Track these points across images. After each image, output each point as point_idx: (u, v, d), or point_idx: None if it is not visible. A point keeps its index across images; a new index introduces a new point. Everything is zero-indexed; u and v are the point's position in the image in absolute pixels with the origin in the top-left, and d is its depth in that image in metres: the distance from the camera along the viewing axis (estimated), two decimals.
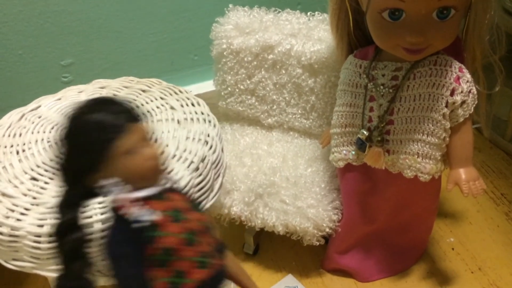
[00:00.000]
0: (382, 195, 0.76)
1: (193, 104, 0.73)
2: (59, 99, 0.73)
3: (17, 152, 0.64)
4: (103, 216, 0.56)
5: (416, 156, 0.67)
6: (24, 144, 0.65)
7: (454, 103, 0.64)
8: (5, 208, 0.57)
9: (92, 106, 0.46)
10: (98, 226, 0.56)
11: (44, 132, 0.67)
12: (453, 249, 0.88)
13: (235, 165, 0.83)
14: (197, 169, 0.63)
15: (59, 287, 0.49)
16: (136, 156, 0.46)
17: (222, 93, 0.91)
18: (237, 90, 0.89)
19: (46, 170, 0.61)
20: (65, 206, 0.47)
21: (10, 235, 0.56)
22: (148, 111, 0.70)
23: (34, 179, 0.60)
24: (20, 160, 0.62)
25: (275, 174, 0.80)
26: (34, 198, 0.58)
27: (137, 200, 0.46)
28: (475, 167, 0.68)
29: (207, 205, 0.65)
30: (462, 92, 0.63)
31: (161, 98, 0.73)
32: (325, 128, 0.85)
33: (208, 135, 0.68)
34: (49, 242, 0.55)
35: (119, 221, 0.47)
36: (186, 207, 0.50)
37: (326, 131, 0.80)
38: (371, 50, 0.70)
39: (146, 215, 0.46)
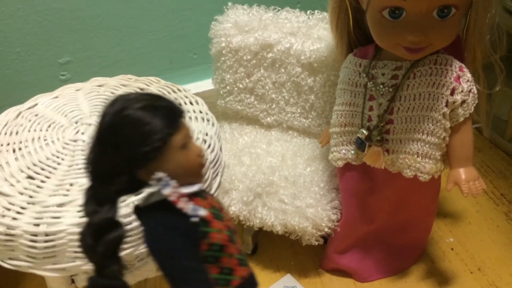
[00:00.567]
0: (381, 194, 0.75)
1: (191, 103, 0.72)
2: (56, 97, 0.73)
3: (14, 150, 0.63)
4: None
5: (415, 156, 0.67)
6: (20, 142, 0.64)
7: (454, 102, 0.63)
8: (1, 206, 0.57)
9: (151, 98, 0.45)
10: None
11: (40, 130, 0.66)
12: (452, 249, 0.88)
13: (233, 164, 0.83)
14: None
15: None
16: (189, 151, 0.46)
17: (221, 92, 0.90)
18: (236, 88, 0.89)
19: (42, 169, 0.60)
20: (104, 202, 0.45)
21: (6, 234, 0.55)
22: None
23: (30, 177, 0.60)
24: (16, 159, 0.62)
25: (274, 174, 0.80)
26: (31, 196, 0.57)
27: (186, 195, 0.46)
28: (474, 167, 0.67)
29: None
30: (462, 91, 0.63)
31: None
32: (324, 127, 0.84)
33: (207, 134, 0.67)
34: (45, 242, 0.55)
35: (174, 215, 0.45)
36: (220, 206, 0.51)
37: (326, 130, 0.80)
38: (371, 49, 0.69)
39: (200, 210, 0.45)
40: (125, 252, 0.56)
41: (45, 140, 0.64)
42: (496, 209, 0.94)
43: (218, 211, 0.49)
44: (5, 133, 0.66)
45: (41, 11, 0.89)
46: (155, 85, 0.76)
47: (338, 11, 0.70)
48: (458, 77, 0.63)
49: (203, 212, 0.46)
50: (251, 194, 0.78)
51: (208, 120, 0.70)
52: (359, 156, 0.71)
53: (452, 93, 0.63)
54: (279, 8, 0.87)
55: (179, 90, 0.75)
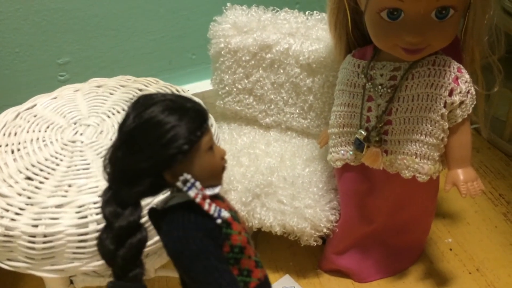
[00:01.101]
0: (380, 195, 0.75)
1: None
2: (55, 98, 0.73)
3: (12, 151, 0.63)
4: (98, 217, 0.56)
5: (414, 157, 0.67)
6: (19, 143, 0.64)
7: (452, 103, 0.63)
8: None
9: (177, 99, 0.44)
10: (93, 226, 0.55)
11: (39, 131, 0.66)
12: (451, 249, 0.88)
13: (232, 165, 0.83)
14: None
15: None
16: (214, 154, 0.46)
17: (220, 93, 0.90)
18: (234, 89, 0.89)
19: (41, 170, 0.61)
20: (126, 204, 0.44)
21: (4, 235, 0.56)
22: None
23: (29, 178, 0.60)
24: (15, 159, 0.62)
25: (272, 174, 0.80)
26: (29, 197, 0.57)
27: (209, 197, 0.46)
28: (473, 168, 0.67)
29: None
30: (460, 92, 0.63)
31: None
32: (323, 128, 0.85)
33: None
34: (44, 243, 0.55)
35: (199, 217, 0.45)
36: (234, 209, 0.51)
37: (324, 131, 0.80)
38: (369, 50, 0.69)
39: (223, 212, 0.45)
40: None
41: (43, 141, 0.64)
42: (495, 210, 0.94)
43: (235, 213, 0.49)
44: (4, 134, 0.66)
45: (40, 11, 0.89)
46: (154, 86, 0.76)
47: (337, 12, 0.70)
48: (457, 78, 0.63)
49: (226, 214, 0.46)
50: (249, 195, 0.78)
51: None
52: (357, 157, 0.71)
53: (450, 94, 0.63)
54: (278, 9, 0.87)
55: (177, 90, 0.75)
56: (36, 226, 0.55)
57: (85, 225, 0.55)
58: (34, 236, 0.55)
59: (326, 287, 0.83)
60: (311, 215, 0.76)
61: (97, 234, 0.54)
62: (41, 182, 0.59)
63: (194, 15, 1.00)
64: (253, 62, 0.86)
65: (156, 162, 0.43)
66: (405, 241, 0.82)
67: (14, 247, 0.56)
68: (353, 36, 0.71)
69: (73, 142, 0.64)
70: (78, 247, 0.55)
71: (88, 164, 0.61)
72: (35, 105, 0.71)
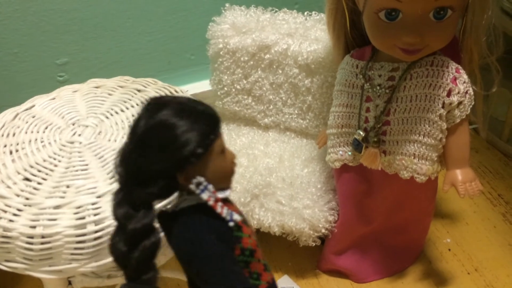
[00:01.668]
0: (378, 196, 0.75)
1: None
2: (53, 98, 0.73)
3: (10, 152, 0.63)
4: (96, 218, 0.56)
5: (412, 157, 0.67)
6: (17, 144, 0.64)
7: (450, 104, 0.63)
8: None
9: (189, 102, 0.45)
10: (91, 227, 0.55)
11: (37, 132, 0.66)
12: (449, 250, 0.88)
13: None
14: None
15: None
16: (226, 157, 0.46)
17: (219, 93, 0.90)
18: (233, 90, 0.89)
19: (39, 171, 0.60)
20: (139, 205, 0.44)
21: (2, 236, 0.55)
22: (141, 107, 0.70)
23: (27, 179, 0.60)
24: (13, 160, 0.62)
25: (271, 175, 0.80)
26: (27, 198, 0.57)
27: (221, 200, 0.46)
28: (472, 168, 0.67)
29: None
30: (458, 93, 0.63)
31: None
32: (321, 129, 0.85)
33: None
34: (42, 244, 0.55)
35: (212, 219, 0.45)
36: (242, 213, 0.51)
37: (323, 131, 0.80)
38: (368, 50, 0.69)
39: (235, 215, 0.46)
40: None
41: (42, 141, 0.64)
42: (493, 210, 0.94)
43: (244, 217, 0.49)
44: (2, 135, 0.66)
45: (38, 12, 0.89)
46: (152, 87, 0.76)
47: (335, 12, 0.70)
48: (455, 79, 0.63)
49: (237, 217, 0.46)
50: (248, 195, 0.78)
51: None
52: (356, 157, 0.71)
53: (448, 95, 0.63)
54: (277, 10, 0.87)
55: (176, 91, 0.75)
56: (34, 227, 0.55)
57: (83, 226, 0.55)
58: (32, 237, 0.55)
59: None
60: (309, 215, 0.76)
61: (95, 235, 0.55)
62: (39, 183, 0.59)
63: (193, 15, 1.00)
64: (251, 62, 0.86)
65: (170, 164, 0.43)
66: (403, 241, 0.82)
67: (12, 248, 0.56)
68: (352, 37, 0.71)
69: (72, 143, 0.64)
70: (76, 248, 0.55)
71: (87, 165, 0.61)
72: (33, 106, 0.71)
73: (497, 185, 0.99)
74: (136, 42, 0.99)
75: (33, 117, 0.69)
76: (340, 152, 0.73)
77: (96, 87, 0.75)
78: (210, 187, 0.44)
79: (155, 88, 0.75)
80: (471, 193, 0.66)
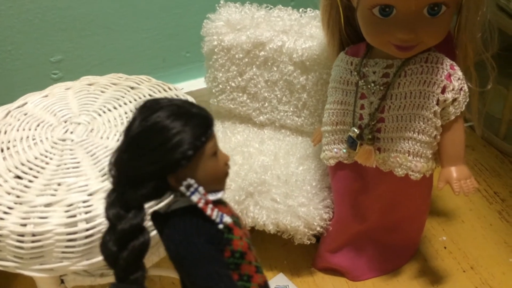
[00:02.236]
0: (373, 193, 0.75)
1: None
2: (46, 96, 0.72)
3: (1, 150, 0.63)
4: (87, 216, 0.55)
5: (407, 155, 0.66)
6: (9, 141, 0.64)
7: (445, 100, 0.63)
8: None
9: (182, 105, 0.45)
10: (82, 225, 0.55)
11: (29, 129, 0.66)
12: (445, 247, 0.88)
13: None
14: None
15: None
16: (218, 159, 0.46)
17: (214, 91, 0.90)
18: (228, 87, 0.88)
19: (30, 168, 0.60)
20: (130, 206, 0.44)
21: None
22: (136, 109, 0.69)
23: (18, 177, 0.59)
24: (4, 158, 0.61)
25: (266, 173, 0.79)
26: (18, 196, 0.57)
27: (212, 202, 0.46)
28: (468, 165, 0.67)
29: None
30: (453, 89, 0.63)
31: (150, 96, 0.72)
32: (316, 126, 0.84)
33: None
34: (33, 242, 0.54)
35: (202, 222, 0.45)
36: (237, 214, 0.51)
37: (318, 129, 0.79)
38: (362, 47, 0.69)
39: (226, 217, 0.46)
40: None
41: (33, 139, 0.64)
42: (489, 208, 0.94)
43: (237, 218, 0.49)
44: None
45: (32, 9, 0.89)
46: (146, 84, 0.75)
47: (330, 9, 0.69)
48: (449, 75, 0.63)
49: (228, 219, 0.46)
50: (243, 193, 0.77)
51: None
52: (350, 154, 0.71)
53: (443, 91, 0.63)
54: (271, 6, 0.86)
55: (170, 88, 0.74)
56: (24, 225, 0.55)
57: (74, 224, 0.55)
58: (22, 235, 0.54)
59: (320, 286, 0.83)
60: (304, 213, 0.75)
61: (86, 233, 0.55)
62: (30, 181, 0.59)
63: (188, 12, 0.99)
64: (246, 59, 0.86)
65: (161, 166, 0.43)
66: (399, 239, 0.82)
67: (3, 246, 0.55)
68: (346, 33, 0.71)
69: (63, 140, 0.64)
70: (67, 246, 0.55)
71: (78, 162, 0.61)
72: (25, 103, 0.71)
73: (493, 182, 0.98)
74: (131, 40, 0.98)
75: (25, 114, 0.69)
76: (335, 149, 0.72)
77: (89, 85, 0.75)
78: (201, 189, 0.45)
79: (148, 85, 0.75)
80: (466, 190, 0.66)
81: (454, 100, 0.63)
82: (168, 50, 1.02)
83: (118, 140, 0.64)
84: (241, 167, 0.81)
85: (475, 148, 1.05)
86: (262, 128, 0.91)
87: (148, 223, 0.49)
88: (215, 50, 0.86)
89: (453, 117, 0.64)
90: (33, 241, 0.54)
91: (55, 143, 0.63)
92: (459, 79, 0.63)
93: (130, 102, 0.71)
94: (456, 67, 0.63)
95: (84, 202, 0.56)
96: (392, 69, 0.65)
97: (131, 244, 0.44)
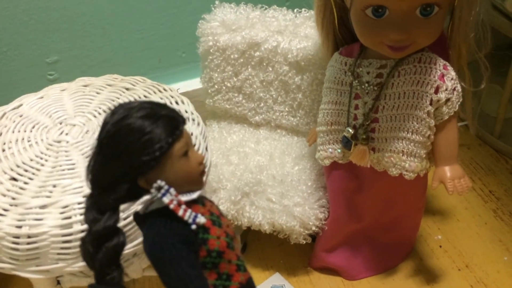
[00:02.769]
0: (368, 193, 0.75)
1: (177, 103, 0.72)
2: (41, 97, 0.72)
3: None
4: (83, 217, 0.55)
5: (401, 154, 0.67)
6: (4, 143, 0.64)
7: (438, 101, 0.63)
8: None
9: (152, 107, 0.45)
10: (77, 227, 0.55)
11: (25, 131, 0.66)
12: (440, 246, 0.88)
13: (221, 163, 0.83)
14: None
15: None
16: (190, 159, 0.47)
17: (209, 91, 0.90)
18: (224, 87, 0.89)
19: (26, 170, 0.60)
20: (105, 210, 0.45)
21: None
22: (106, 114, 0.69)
23: (13, 179, 0.59)
24: None
25: (261, 173, 0.80)
26: (13, 198, 0.57)
27: (185, 203, 0.46)
28: (463, 164, 0.67)
29: None
30: (446, 89, 0.63)
31: (145, 97, 0.72)
32: (312, 126, 0.84)
33: (192, 134, 0.67)
34: (28, 244, 0.55)
35: (174, 223, 0.46)
36: (218, 212, 0.51)
37: (313, 129, 0.80)
38: (356, 48, 0.69)
39: (199, 217, 0.46)
40: None
41: (29, 141, 0.64)
42: (485, 206, 0.94)
43: (217, 217, 0.49)
44: None
45: (27, 10, 0.89)
46: (141, 85, 0.75)
47: (324, 9, 0.69)
48: (442, 76, 0.63)
49: (202, 219, 0.46)
50: (239, 193, 0.78)
51: (193, 120, 0.70)
52: (345, 154, 0.71)
53: (436, 92, 0.63)
54: (266, 7, 0.86)
55: (165, 89, 0.74)
56: (20, 227, 0.55)
57: (69, 225, 0.55)
58: (18, 237, 0.55)
59: (316, 285, 0.83)
60: (300, 213, 0.75)
61: (81, 235, 0.55)
62: (25, 183, 0.59)
63: (184, 13, 0.99)
64: (241, 60, 0.86)
65: (129, 169, 0.44)
66: (394, 238, 0.83)
67: None
68: (340, 34, 0.71)
69: (59, 142, 0.64)
70: (62, 248, 0.55)
71: (73, 164, 0.61)
72: (21, 105, 0.71)
73: (488, 181, 0.99)
74: (127, 40, 0.98)
75: (21, 116, 0.69)
76: (330, 149, 0.72)
77: (84, 86, 0.75)
78: (172, 190, 0.45)
79: (143, 86, 0.75)
80: (460, 189, 0.66)
81: (448, 100, 0.64)
82: (164, 50, 1.02)
83: None
84: (237, 167, 0.81)
85: (470, 146, 1.06)
86: (258, 128, 0.91)
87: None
88: (211, 50, 0.86)
89: (446, 117, 0.64)
90: (28, 243, 0.55)
91: (51, 145, 0.63)
92: (452, 79, 0.63)
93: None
94: (449, 67, 0.64)
95: (79, 203, 0.56)
96: (386, 70, 0.65)
97: (105, 245, 0.45)
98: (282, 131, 0.90)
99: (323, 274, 0.85)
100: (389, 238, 0.82)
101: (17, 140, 0.64)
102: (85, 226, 0.55)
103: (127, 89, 0.74)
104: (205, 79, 0.90)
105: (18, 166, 0.61)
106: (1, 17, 0.87)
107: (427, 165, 0.69)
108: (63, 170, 0.60)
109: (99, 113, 0.69)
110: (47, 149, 0.63)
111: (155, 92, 0.74)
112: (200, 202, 0.49)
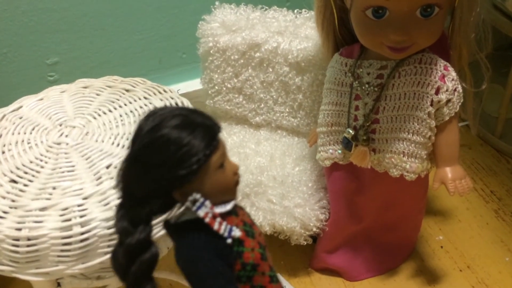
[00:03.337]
0: (369, 194, 0.75)
1: (177, 104, 0.72)
2: (41, 99, 0.72)
3: None
4: (82, 219, 0.55)
5: (401, 155, 0.67)
6: (4, 145, 0.64)
7: (439, 101, 0.63)
8: None
9: (187, 114, 0.44)
10: (77, 229, 0.55)
11: (24, 133, 0.66)
12: (442, 247, 0.88)
13: None
14: None
15: None
16: (225, 170, 0.45)
17: (209, 92, 0.90)
18: (224, 88, 0.88)
19: (25, 172, 0.60)
20: (138, 223, 0.44)
21: None
22: (131, 111, 0.69)
23: (13, 181, 0.59)
24: None
25: (262, 174, 0.80)
26: (13, 201, 0.57)
27: (220, 215, 0.45)
28: (465, 164, 0.67)
29: None
30: (447, 90, 0.63)
31: (145, 98, 0.72)
32: (312, 127, 0.84)
33: None
34: (28, 246, 0.54)
35: (209, 236, 0.44)
36: (250, 221, 0.50)
37: (314, 129, 0.79)
38: (356, 48, 0.69)
39: (235, 230, 0.45)
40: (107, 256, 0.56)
41: (28, 143, 0.64)
42: (486, 207, 0.94)
43: (250, 227, 0.48)
44: None
45: (27, 11, 0.89)
46: (141, 86, 0.75)
47: (324, 10, 0.69)
48: (443, 76, 0.63)
49: (237, 232, 0.45)
50: (239, 195, 0.78)
51: None
52: (346, 155, 0.71)
53: (437, 92, 0.63)
54: (267, 7, 0.86)
55: (165, 91, 0.74)
56: (19, 229, 0.55)
57: (69, 227, 0.55)
58: (18, 240, 0.55)
59: (317, 286, 0.83)
60: (300, 214, 0.75)
61: (81, 237, 0.55)
62: (25, 185, 0.59)
63: (184, 13, 0.99)
64: (242, 61, 0.86)
65: (165, 183, 0.43)
66: (395, 239, 0.82)
67: None
68: (341, 34, 0.71)
69: (58, 144, 0.64)
70: (62, 250, 0.55)
71: (73, 166, 0.61)
72: (21, 107, 0.71)
73: (489, 181, 0.99)
74: (127, 41, 0.98)
75: (20, 118, 0.69)
76: (330, 150, 0.72)
77: (84, 87, 0.75)
78: (207, 203, 0.44)
79: (143, 87, 0.75)
80: (461, 190, 0.66)
81: (448, 101, 0.63)
82: (164, 51, 1.02)
83: (113, 143, 0.64)
84: None
85: (472, 147, 1.05)
86: (258, 129, 0.91)
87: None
88: (211, 51, 0.86)
89: (447, 118, 0.64)
90: (28, 245, 0.55)
91: (50, 147, 0.63)
92: (453, 79, 0.63)
93: (125, 104, 0.71)
94: (450, 68, 0.63)
95: (79, 206, 0.56)
96: (386, 70, 0.65)
97: (139, 258, 0.44)
98: (282, 132, 0.90)
99: (324, 275, 0.84)
100: (390, 239, 0.82)
101: (17, 142, 0.64)
102: (85, 228, 0.55)
103: (127, 90, 0.74)
104: (206, 80, 0.90)
105: (17, 168, 0.61)
106: (1, 18, 0.87)
107: (428, 166, 0.68)
108: (63, 172, 0.60)
109: (99, 115, 0.69)
110: (47, 151, 0.63)
111: (155, 94, 0.73)
112: (233, 212, 0.47)
